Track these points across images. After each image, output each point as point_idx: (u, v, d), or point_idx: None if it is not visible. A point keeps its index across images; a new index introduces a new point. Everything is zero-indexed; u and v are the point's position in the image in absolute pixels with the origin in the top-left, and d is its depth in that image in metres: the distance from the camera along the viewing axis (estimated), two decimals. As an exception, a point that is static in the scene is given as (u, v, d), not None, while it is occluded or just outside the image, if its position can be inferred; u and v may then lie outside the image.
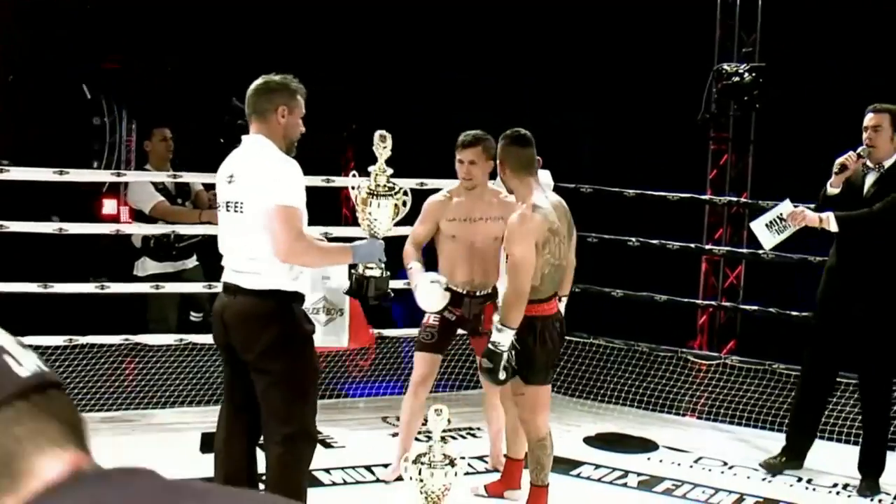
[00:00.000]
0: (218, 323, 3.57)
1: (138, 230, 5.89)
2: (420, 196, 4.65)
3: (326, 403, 5.72)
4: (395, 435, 4.83)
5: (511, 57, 7.99)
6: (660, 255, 6.38)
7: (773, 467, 5.06)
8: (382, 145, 3.58)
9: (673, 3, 7.17)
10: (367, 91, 8.20)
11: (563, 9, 7.69)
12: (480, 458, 4.92)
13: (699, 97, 6.74)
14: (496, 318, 4.02)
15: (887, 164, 4.72)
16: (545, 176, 4.82)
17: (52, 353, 5.54)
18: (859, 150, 4.72)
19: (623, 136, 7.91)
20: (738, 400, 5.86)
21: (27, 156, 5.84)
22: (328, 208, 7.02)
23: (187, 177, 5.80)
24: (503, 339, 3.87)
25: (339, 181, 5.77)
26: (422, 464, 3.67)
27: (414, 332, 4.93)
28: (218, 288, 3.76)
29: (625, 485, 4.88)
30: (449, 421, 3.70)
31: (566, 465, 4.95)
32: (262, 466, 3.66)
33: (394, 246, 4.11)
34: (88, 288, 5.62)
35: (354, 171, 3.66)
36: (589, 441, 5.47)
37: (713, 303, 6.93)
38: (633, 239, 6.31)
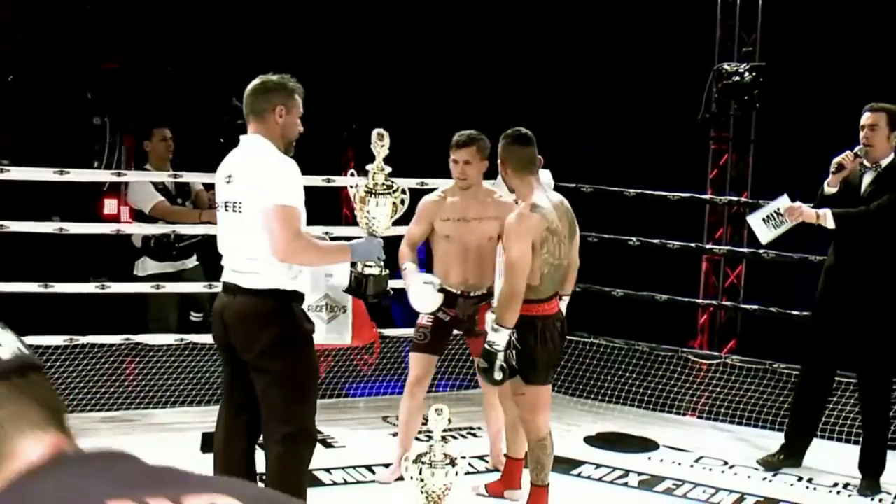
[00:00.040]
0: (218, 322, 3.57)
1: (138, 230, 5.89)
2: (420, 196, 4.65)
3: (326, 403, 5.73)
4: (395, 435, 4.83)
5: (511, 57, 7.98)
6: (660, 255, 6.37)
7: (771, 465, 5.06)
8: (380, 143, 3.58)
9: (673, 3, 7.17)
10: (367, 91, 8.19)
11: (563, 9, 7.69)
12: (481, 458, 4.92)
13: (699, 97, 6.74)
14: (489, 316, 4.02)
15: (884, 163, 4.73)
16: (546, 175, 4.82)
17: (52, 353, 5.54)
18: (856, 149, 4.72)
19: (623, 136, 7.91)
20: (738, 399, 5.86)
21: (27, 156, 5.84)
22: (328, 208, 7.02)
23: (187, 177, 5.80)
24: (499, 338, 3.87)
25: (339, 181, 5.77)
26: (422, 463, 3.67)
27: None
28: (218, 288, 3.76)
29: (625, 484, 4.88)
30: (449, 421, 3.70)
31: (567, 465, 4.95)
32: (261, 466, 3.66)
33: (393, 245, 4.12)
34: (89, 288, 5.62)
35: (353, 170, 3.66)
36: (589, 440, 5.47)
37: (714, 302, 6.93)
38: (634, 238, 6.31)
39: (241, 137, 3.58)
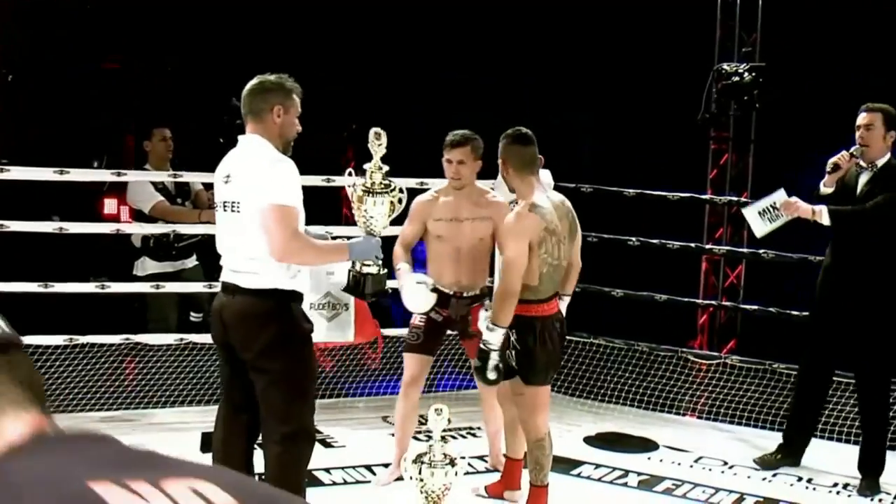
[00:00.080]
0: (217, 322, 3.57)
1: (138, 230, 5.89)
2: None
3: (326, 403, 5.73)
4: (395, 435, 4.82)
5: (511, 57, 7.99)
6: (660, 255, 6.37)
7: (768, 463, 5.07)
8: (377, 143, 3.58)
9: (673, 3, 7.17)
10: (367, 91, 8.20)
11: (563, 9, 7.70)
12: (480, 458, 4.92)
13: (699, 97, 6.74)
14: (483, 314, 4.02)
15: (880, 162, 4.73)
16: (546, 175, 4.82)
17: (52, 352, 5.54)
18: (852, 149, 4.73)
19: (623, 136, 7.91)
20: (738, 399, 5.86)
21: (27, 156, 5.84)
22: (328, 208, 7.03)
23: (187, 177, 5.80)
24: (494, 337, 3.87)
25: (339, 181, 5.77)
26: (422, 463, 3.67)
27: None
28: (217, 288, 3.76)
29: (625, 484, 4.88)
30: (449, 420, 3.70)
31: (566, 465, 4.95)
32: (260, 466, 3.66)
33: (389, 245, 4.11)
34: (88, 288, 5.63)
35: (350, 170, 3.65)
36: (589, 441, 5.47)
37: (713, 302, 6.93)
38: (634, 238, 6.31)
39: (240, 137, 3.58)
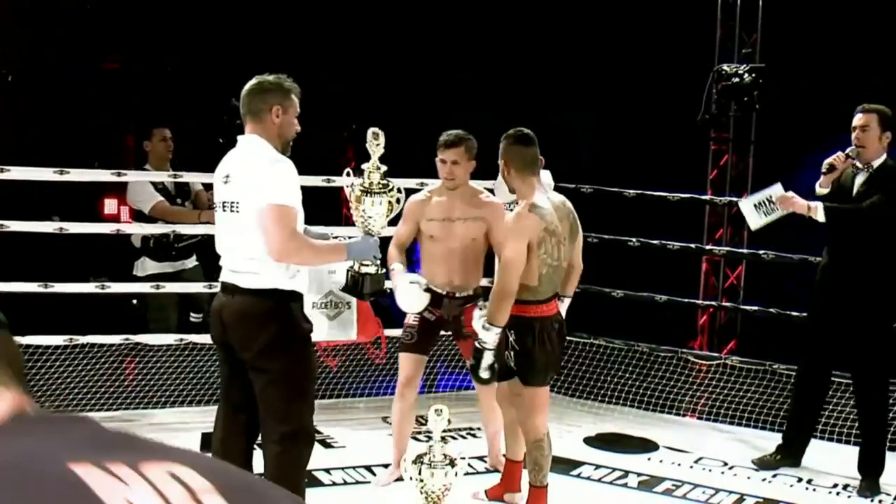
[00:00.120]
0: (216, 321, 3.57)
1: (138, 230, 5.88)
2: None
3: (326, 403, 5.73)
4: (392, 435, 4.82)
5: (511, 57, 7.99)
6: (660, 256, 6.37)
7: (767, 463, 5.07)
8: (375, 143, 3.57)
9: (673, 3, 7.17)
10: (367, 91, 8.20)
11: (563, 9, 7.70)
12: (480, 459, 4.92)
13: (699, 97, 6.74)
14: (477, 313, 4.02)
15: (876, 163, 4.74)
16: (546, 176, 4.81)
17: (52, 353, 5.54)
18: (848, 150, 4.74)
19: (623, 136, 7.91)
20: (738, 400, 5.86)
21: (27, 156, 5.84)
22: (328, 208, 7.03)
23: (187, 177, 5.80)
24: (489, 337, 3.87)
25: (339, 181, 5.76)
26: (422, 464, 3.67)
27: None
28: (218, 288, 3.75)
29: (625, 485, 4.88)
30: (449, 421, 3.70)
31: (566, 466, 4.95)
32: (260, 466, 3.66)
33: (385, 245, 4.11)
34: (88, 288, 5.62)
35: (349, 170, 3.65)
36: (589, 441, 5.47)
37: (713, 303, 6.93)
38: (634, 239, 6.30)
39: (239, 138, 3.58)
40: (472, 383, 4.61)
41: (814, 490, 4.86)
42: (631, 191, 6.36)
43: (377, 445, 5.12)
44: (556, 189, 4.71)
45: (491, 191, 5.66)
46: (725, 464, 5.17)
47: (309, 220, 3.59)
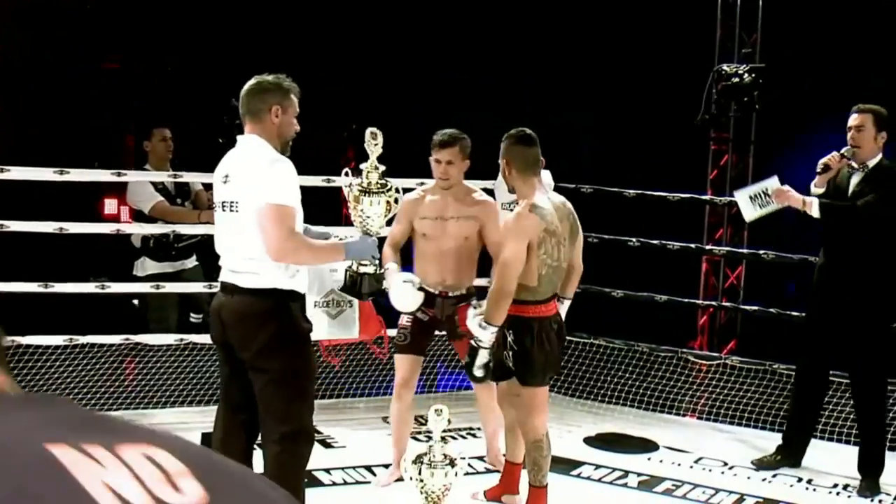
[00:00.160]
0: (215, 321, 3.57)
1: (138, 230, 5.88)
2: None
3: (326, 403, 5.73)
4: (391, 436, 4.81)
5: (511, 57, 7.99)
6: (660, 256, 6.37)
7: (767, 464, 5.07)
8: (374, 142, 3.57)
9: (673, 3, 7.17)
10: (367, 91, 8.20)
11: (563, 9, 7.70)
12: (480, 458, 4.92)
13: (699, 97, 6.74)
14: (471, 312, 4.02)
15: (871, 163, 4.74)
16: (546, 176, 4.81)
17: (52, 353, 5.54)
18: (843, 150, 4.74)
19: (623, 136, 7.92)
20: (738, 400, 5.86)
21: (27, 156, 5.84)
22: (328, 208, 7.03)
23: (187, 177, 5.80)
24: (485, 336, 3.87)
25: (339, 181, 5.76)
26: (422, 464, 3.67)
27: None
28: (217, 288, 3.75)
29: (625, 485, 4.88)
30: (449, 421, 3.70)
31: (566, 466, 4.95)
32: (260, 466, 3.66)
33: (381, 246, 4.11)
34: (88, 288, 5.62)
35: (347, 170, 3.65)
36: (589, 441, 5.47)
37: (713, 303, 6.93)
38: (634, 239, 6.30)
39: (238, 138, 3.58)
40: (472, 383, 4.61)
41: (814, 490, 4.86)
42: (631, 191, 6.36)
43: (377, 445, 5.12)
44: (556, 189, 4.71)
45: (491, 191, 5.68)
46: (725, 464, 5.17)
47: (309, 220, 3.59)
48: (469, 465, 4.37)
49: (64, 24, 7.13)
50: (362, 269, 3.55)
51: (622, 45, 7.61)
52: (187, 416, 5.53)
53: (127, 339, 5.68)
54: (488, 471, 4.80)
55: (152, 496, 0.60)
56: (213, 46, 7.55)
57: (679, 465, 5.15)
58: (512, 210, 4.16)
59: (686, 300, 6.64)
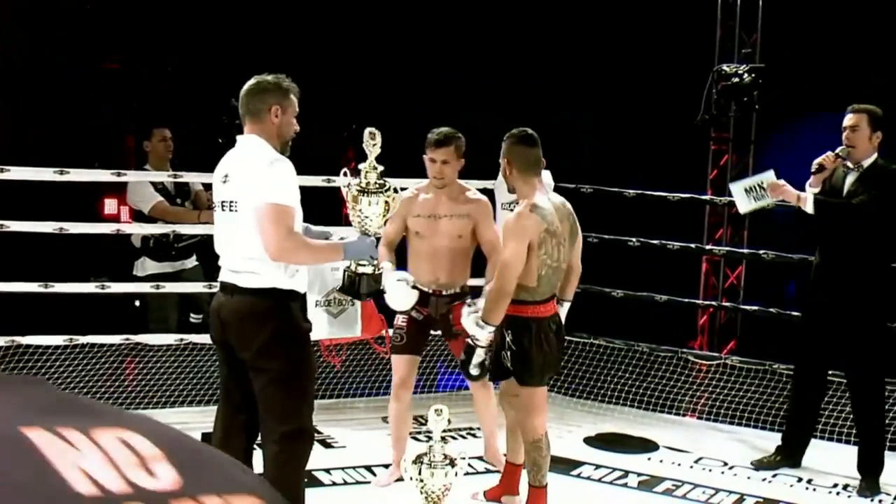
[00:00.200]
0: (215, 320, 3.57)
1: (138, 230, 5.89)
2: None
3: (326, 404, 5.73)
4: (390, 436, 4.81)
5: (511, 57, 7.99)
6: (660, 256, 6.37)
7: (767, 465, 5.07)
8: (372, 143, 3.57)
9: (673, 3, 7.17)
10: (367, 91, 8.20)
11: (564, 9, 7.70)
12: (480, 459, 4.92)
13: (699, 97, 6.74)
14: (466, 310, 4.02)
15: (866, 163, 4.75)
16: (546, 176, 4.81)
17: (52, 353, 5.54)
18: (838, 150, 4.75)
19: (623, 136, 7.92)
20: (738, 400, 5.86)
21: (27, 156, 5.84)
22: (328, 208, 7.03)
23: (187, 177, 5.80)
24: (482, 335, 3.87)
25: (337, 181, 5.75)
26: (422, 464, 3.67)
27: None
28: (217, 288, 3.75)
29: (625, 485, 4.88)
30: (449, 421, 3.69)
31: (566, 466, 4.95)
32: (260, 466, 3.66)
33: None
34: (89, 288, 5.63)
35: (346, 170, 3.65)
36: (589, 441, 5.47)
37: (713, 303, 6.93)
38: (634, 239, 6.30)
39: (238, 138, 3.58)
40: (468, 381, 4.61)
41: (814, 490, 4.86)
42: (631, 191, 6.36)
43: (377, 445, 5.11)
44: (556, 189, 4.71)
45: (491, 191, 5.68)
46: (725, 464, 5.17)
47: (309, 220, 3.59)
48: (469, 465, 4.37)
49: (64, 24, 7.13)
50: (360, 270, 3.54)
51: (622, 45, 7.61)
52: (187, 416, 5.53)
53: (127, 340, 5.69)
54: (488, 471, 4.80)
55: (127, 480, 0.60)
56: (213, 46, 7.54)
57: (679, 465, 5.15)
58: (512, 210, 4.15)
59: (686, 300, 6.64)
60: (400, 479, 4.25)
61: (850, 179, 4.78)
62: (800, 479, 4.96)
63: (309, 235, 3.59)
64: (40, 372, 5.46)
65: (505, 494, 4.44)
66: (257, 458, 3.68)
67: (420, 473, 3.65)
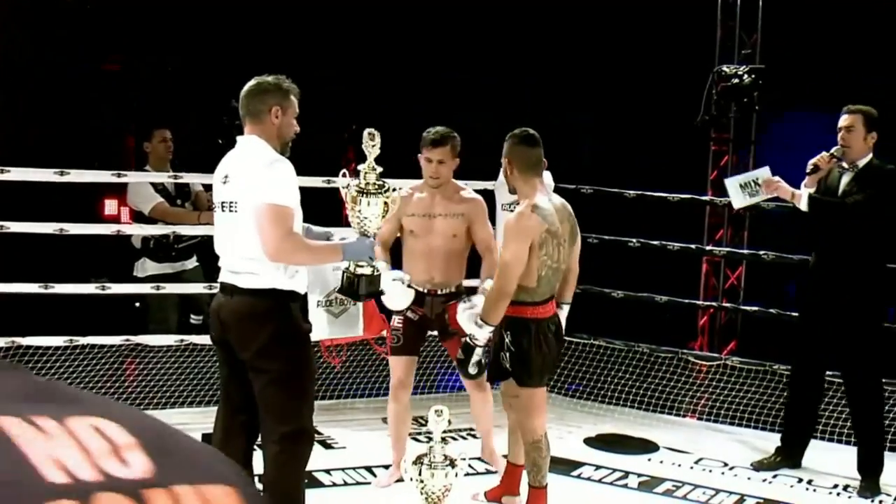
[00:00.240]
0: (215, 321, 3.57)
1: (138, 231, 5.89)
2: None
3: (326, 404, 5.73)
4: (390, 437, 4.81)
5: (512, 57, 8.00)
6: (660, 256, 6.37)
7: (767, 466, 5.06)
8: (371, 143, 3.57)
9: (673, 4, 7.17)
10: (367, 91, 8.20)
11: (564, 9, 7.70)
12: (480, 459, 4.92)
13: (699, 98, 6.74)
14: (461, 307, 4.02)
15: (861, 163, 4.76)
16: (547, 177, 4.81)
17: (53, 353, 5.54)
18: (833, 150, 4.76)
19: (623, 136, 7.92)
20: (738, 401, 5.85)
21: (27, 157, 5.84)
22: (328, 209, 7.03)
23: (187, 178, 5.80)
24: (480, 334, 3.87)
25: (336, 182, 5.75)
26: (422, 464, 3.67)
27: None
28: (217, 289, 3.75)
29: (625, 486, 4.87)
30: (449, 422, 3.69)
31: (566, 466, 4.95)
32: (260, 466, 3.66)
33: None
34: (89, 288, 5.62)
35: (345, 171, 3.65)
36: (589, 442, 5.47)
37: (714, 304, 6.93)
38: (634, 240, 6.30)
39: (238, 138, 3.58)
40: (464, 381, 4.61)
41: (814, 490, 4.86)
42: (631, 191, 6.36)
43: (377, 446, 5.11)
44: (556, 190, 4.70)
45: (491, 192, 5.68)
46: (725, 464, 5.17)
47: (309, 221, 3.59)
48: (469, 465, 4.36)
49: (64, 24, 7.13)
50: (359, 271, 3.54)
51: (622, 45, 7.61)
52: (187, 416, 5.53)
53: (127, 340, 5.68)
54: (488, 471, 4.80)
55: (98, 469, 0.60)
56: (213, 47, 7.55)
57: (679, 465, 5.15)
58: (513, 211, 4.15)
59: (686, 301, 6.64)
60: (400, 480, 4.25)
61: (845, 180, 4.79)
62: (800, 480, 4.96)
63: (310, 236, 3.59)
64: (40, 373, 5.45)
65: (505, 495, 4.44)
66: (257, 458, 3.69)
67: (420, 474, 3.66)
